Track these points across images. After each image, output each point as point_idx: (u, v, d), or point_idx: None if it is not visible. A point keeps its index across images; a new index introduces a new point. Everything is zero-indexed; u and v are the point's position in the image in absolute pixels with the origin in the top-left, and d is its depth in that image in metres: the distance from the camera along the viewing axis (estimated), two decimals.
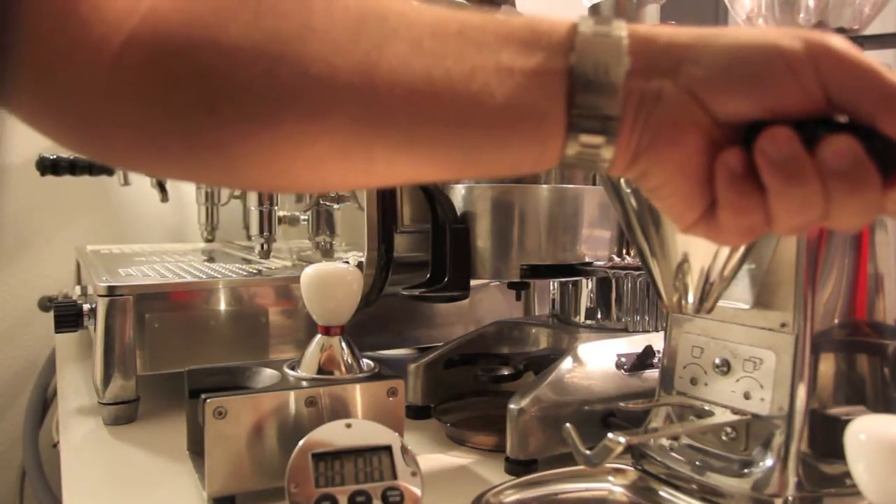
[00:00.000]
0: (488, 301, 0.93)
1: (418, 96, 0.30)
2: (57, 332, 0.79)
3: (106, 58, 0.30)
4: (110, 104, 0.31)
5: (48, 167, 1.13)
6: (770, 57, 0.29)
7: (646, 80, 0.30)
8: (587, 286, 0.73)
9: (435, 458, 0.65)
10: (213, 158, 0.32)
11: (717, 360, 0.51)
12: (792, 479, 0.46)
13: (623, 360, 0.65)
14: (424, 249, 0.70)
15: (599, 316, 0.73)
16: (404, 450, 0.51)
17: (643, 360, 0.65)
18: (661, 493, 0.53)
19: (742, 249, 0.41)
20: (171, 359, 0.74)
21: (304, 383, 0.58)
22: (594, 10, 0.74)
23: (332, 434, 0.51)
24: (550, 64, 0.30)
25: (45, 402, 1.28)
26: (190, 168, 0.34)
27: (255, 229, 0.97)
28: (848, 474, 0.37)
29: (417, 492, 0.49)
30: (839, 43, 0.29)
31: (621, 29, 0.30)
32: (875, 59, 0.29)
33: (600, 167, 0.31)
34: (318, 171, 0.33)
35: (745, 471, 0.48)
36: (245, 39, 0.30)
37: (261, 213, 0.96)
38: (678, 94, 0.30)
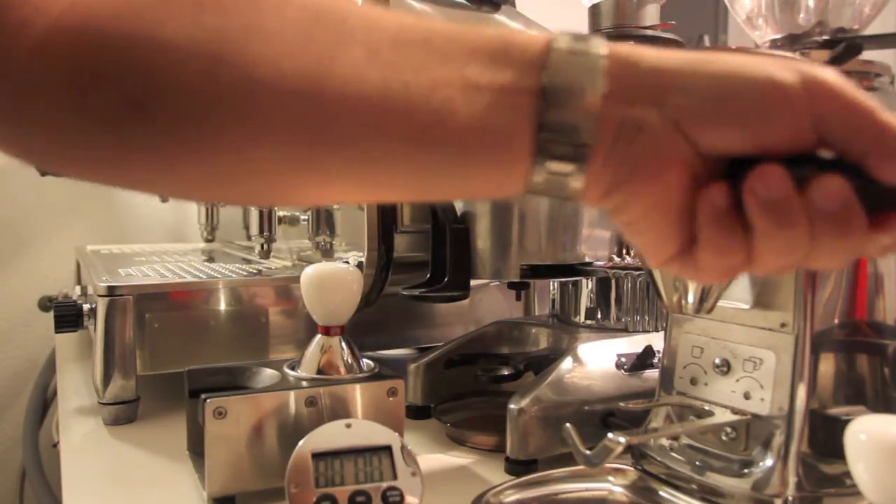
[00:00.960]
0: (488, 301, 0.93)
1: (372, 109, 0.27)
2: (57, 332, 0.79)
3: (26, 43, 0.27)
4: (29, 97, 0.28)
5: None
6: (765, 91, 0.28)
7: (626, 106, 0.28)
8: (587, 286, 0.73)
9: (435, 458, 0.65)
10: (151, 165, 0.29)
11: (717, 360, 0.51)
12: (792, 479, 0.46)
13: (623, 360, 0.65)
14: (424, 249, 0.70)
15: (599, 316, 0.73)
16: (404, 450, 0.51)
17: (643, 360, 0.65)
18: (661, 493, 0.53)
19: None
20: (171, 359, 0.74)
21: (304, 383, 0.58)
22: (594, 10, 0.74)
23: (332, 434, 0.51)
24: (521, 82, 0.28)
25: (45, 402, 1.28)
26: (129, 176, 0.31)
27: (255, 229, 0.97)
28: (848, 474, 0.37)
29: (417, 492, 0.49)
30: (834, 78, 0.28)
31: (601, 48, 0.28)
32: (866, 96, 0.28)
33: (570, 197, 0.29)
34: (266, 182, 0.30)
35: (745, 471, 0.48)
36: (183, 36, 0.27)
37: (261, 212, 0.96)
38: (663, 125, 0.28)
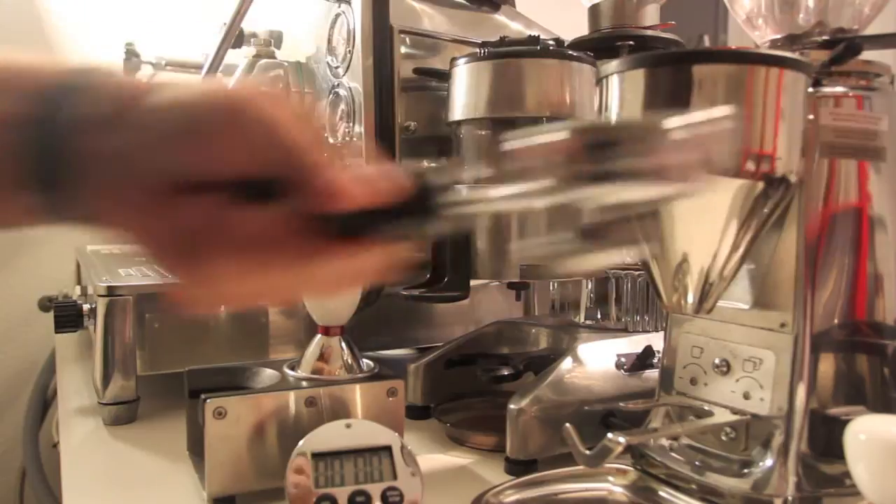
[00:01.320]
0: (488, 301, 0.93)
1: None
2: (57, 332, 0.79)
3: None
4: None
5: None
6: (198, 117, 0.28)
7: (94, 135, 0.27)
8: (587, 286, 0.73)
9: (435, 458, 0.65)
10: None
11: (717, 360, 0.51)
12: (792, 479, 0.46)
13: (623, 360, 0.65)
14: (424, 249, 0.70)
15: (599, 316, 0.73)
16: (404, 450, 0.51)
17: (643, 360, 0.65)
18: (661, 493, 0.53)
19: (741, 250, 0.41)
20: (171, 359, 0.74)
21: (304, 383, 0.58)
22: (594, 10, 0.74)
23: (332, 434, 0.51)
24: (9, 112, 0.27)
25: (45, 402, 1.28)
26: None
27: None
28: (848, 474, 0.37)
29: (417, 492, 0.49)
30: (268, 108, 0.28)
31: (93, 76, 0.28)
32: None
33: (87, 229, 0.29)
34: None
35: (745, 471, 0.48)
36: None
37: None
38: (125, 152, 0.27)
